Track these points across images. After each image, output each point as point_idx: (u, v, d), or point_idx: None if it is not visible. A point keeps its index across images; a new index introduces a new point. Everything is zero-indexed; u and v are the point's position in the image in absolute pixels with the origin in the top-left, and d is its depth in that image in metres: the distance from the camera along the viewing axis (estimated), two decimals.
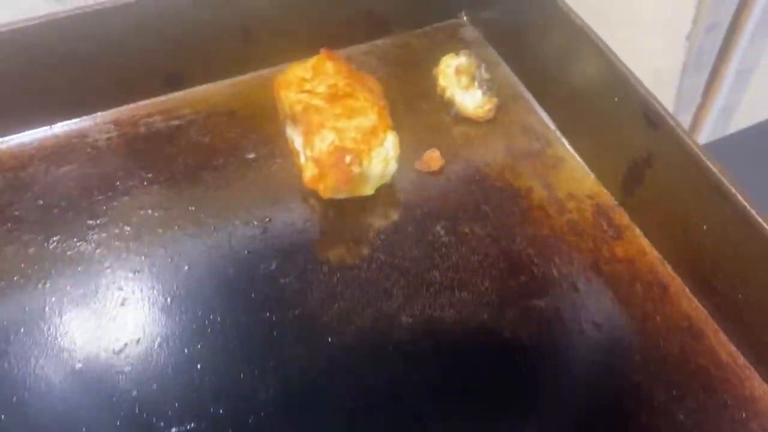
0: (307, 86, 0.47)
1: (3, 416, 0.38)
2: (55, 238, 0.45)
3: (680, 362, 0.39)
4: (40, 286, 0.43)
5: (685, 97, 1.04)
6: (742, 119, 1.11)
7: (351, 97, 0.46)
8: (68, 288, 0.43)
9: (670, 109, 1.00)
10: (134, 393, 0.39)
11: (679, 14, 0.91)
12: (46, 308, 0.42)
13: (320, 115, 0.45)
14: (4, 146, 0.50)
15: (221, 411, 0.38)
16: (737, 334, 0.39)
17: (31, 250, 0.45)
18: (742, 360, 0.39)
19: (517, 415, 0.38)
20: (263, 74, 0.54)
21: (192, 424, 0.37)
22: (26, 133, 0.51)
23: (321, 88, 0.46)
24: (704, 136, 1.11)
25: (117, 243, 0.45)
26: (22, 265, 0.44)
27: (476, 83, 0.51)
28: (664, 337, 0.40)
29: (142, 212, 0.47)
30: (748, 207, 0.35)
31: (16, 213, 0.47)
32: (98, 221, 0.46)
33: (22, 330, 0.41)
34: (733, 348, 0.39)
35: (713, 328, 0.40)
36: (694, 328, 0.40)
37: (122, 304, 0.42)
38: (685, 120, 1.08)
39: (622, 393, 0.38)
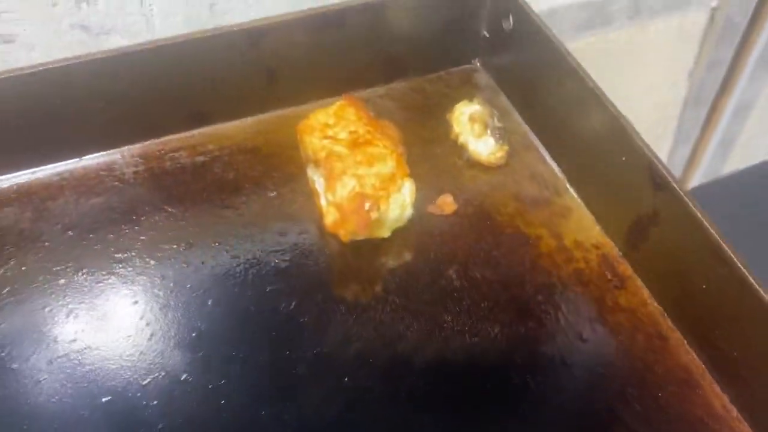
0: (330, 132, 0.49)
1: None
2: (84, 270, 0.47)
3: (678, 412, 0.41)
4: (71, 317, 0.45)
5: (685, 129, 1.06)
6: (740, 153, 1.14)
7: (371, 144, 0.48)
8: (96, 321, 0.45)
9: (671, 141, 1.03)
10: (160, 426, 0.41)
11: (683, 52, 0.94)
12: (77, 340, 0.44)
13: (342, 162, 0.47)
14: (35, 177, 0.52)
15: None
16: (732, 388, 0.41)
17: (61, 281, 0.47)
18: (735, 413, 0.41)
19: None
20: (286, 113, 0.56)
21: None
22: (57, 164, 0.53)
23: (343, 135, 0.49)
24: (703, 168, 1.14)
25: (143, 278, 0.47)
26: (53, 295, 0.46)
27: (489, 131, 0.53)
28: (663, 388, 0.42)
29: (167, 247, 0.49)
30: (745, 272, 0.38)
31: (47, 243, 0.49)
32: (125, 255, 0.48)
33: (53, 363, 0.43)
34: (727, 400, 0.41)
35: (709, 380, 0.42)
36: (691, 380, 0.42)
37: (149, 338, 0.44)
38: (684, 151, 1.11)
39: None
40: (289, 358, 0.43)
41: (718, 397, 0.42)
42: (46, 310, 0.45)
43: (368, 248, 0.49)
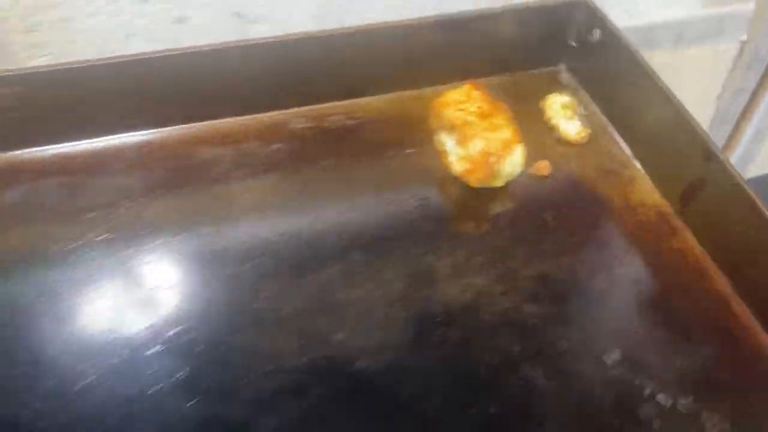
0: (462, 106, 0.66)
1: (192, 322, 0.56)
2: (275, 194, 0.64)
3: (709, 320, 0.57)
4: (255, 219, 0.62)
5: None
6: (758, 169, 1.29)
7: (493, 117, 0.65)
8: (277, 225, 0.62)
9: None
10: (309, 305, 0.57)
11: (713, 78, 1.10)
12: (270, 239, 0.61)
13: (473, 128, 0.64)
14: (229, 124, 0.69)
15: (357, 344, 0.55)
16: (752, 302, 0.58)
17: (261, 197, 0.64)
18: (753, 320, 0.57)
19: (588, 339, 0.56)
20: (419, 93, 0.73)
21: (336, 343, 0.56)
22: (246, 117, 0.70)
23: (472, 108, 0.65)
24: None
25: (309, 205, 0.63)
26: (252, 207, 0.63)
27: (576, 116, 0.70)
28: (699, 304, 0.58)
29: (329, 183, 0.66)
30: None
31: (246, 172, 0.65)
32: (297, 186, 0.65)
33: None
34: (748, 311, 0.58)
35: (736, 298, 0.58)
36: (721, 299, 0.59)
37: (317, 240, 0.61)
38: None
39: (669, 328, 0.57)
40: (429, 264, 0.60)
41: (742, 310, 0.58)
42: (242, 217, 0.62)
43: (485, 194, 0.65)
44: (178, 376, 0.50)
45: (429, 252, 0.61)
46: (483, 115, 0.65)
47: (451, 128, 0.65)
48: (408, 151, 0.69)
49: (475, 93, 0.67)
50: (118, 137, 0.66)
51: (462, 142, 0.64)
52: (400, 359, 0.53)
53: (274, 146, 0.68)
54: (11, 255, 0.57)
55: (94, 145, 0.66)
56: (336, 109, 0.71)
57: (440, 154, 0.67)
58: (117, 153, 0.66)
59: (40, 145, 0.65)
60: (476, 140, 0.63)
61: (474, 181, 0.63)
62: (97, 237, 0.59)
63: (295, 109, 0.71)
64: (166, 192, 0.64)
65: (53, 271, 0.56)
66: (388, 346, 0.54)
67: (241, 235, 0.60)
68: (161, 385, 0.50)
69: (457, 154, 0.64)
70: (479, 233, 0.63)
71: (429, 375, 0.52)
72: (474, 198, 0.65)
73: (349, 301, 0.56)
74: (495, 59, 0.75)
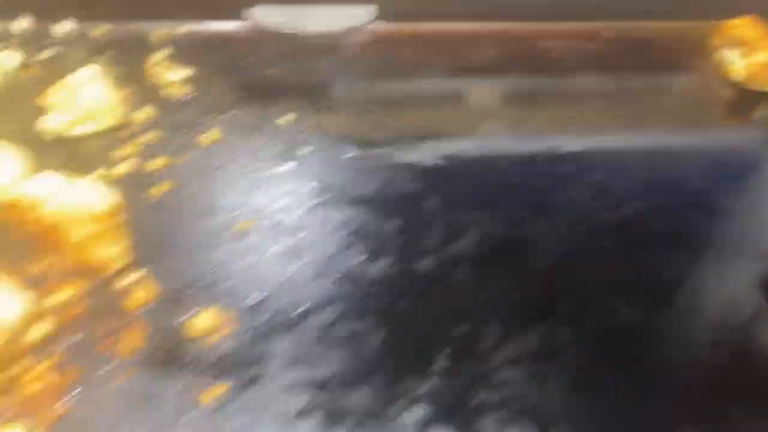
0: (745, 29, 0.87)
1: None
2: (586, 75, 0.86)
3: None
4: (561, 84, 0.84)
5: None
6: None
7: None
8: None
9: None
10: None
11: None
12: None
13: (757, 44, 0.85)
14: (559, 26, 0.92)
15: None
16: None
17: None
18: None
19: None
20: (695, 24, 0.94)
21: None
22: (569, 23, 0.92)
23: (754, 31, 0.87)
24: None
25: (614, 90, 0.86)
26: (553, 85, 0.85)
27: None
28: None
29: (630, 76, 0.88)
30: None
31: (572, 60, 0.88)
32: (606, 74, 0.87)
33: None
34: None
35: None
36: None
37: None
38: None
39: None
40: (717, 138, 0.81)
41: None
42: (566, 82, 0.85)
43: (759, 96, 0.86)
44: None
45: (715, 131, 0.82)
46: (763, 36, 0.86)
47: (738, 44, 0.87)
48: (691, 62, 0.90)
49: (753, 22, 0.88)
50: (483, 24, 0.90)
51: (748, 54, 0.85)
52: (663, 205, 0.73)
53: (590, 46, 0.90)
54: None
55: (458, 27, 0.90)
56: (636, 26, 0.94)
57: (719, 65, 0.89)
58: (474, 36, 0.90)
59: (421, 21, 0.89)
60: (760, 54, 0.84)
61: (756, 84, 0.85)
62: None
63: (605, 22, 0.93)
64: (517, 69, 0.87)
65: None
66: (654, 191, 0.74)
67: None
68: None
69: (742, 64, 0.86)
70: (752, 124, 0.84)
71: (680, 220, 0.73)
72: (749, 99, 0.86)
73: (629, 156, 0.78)
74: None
